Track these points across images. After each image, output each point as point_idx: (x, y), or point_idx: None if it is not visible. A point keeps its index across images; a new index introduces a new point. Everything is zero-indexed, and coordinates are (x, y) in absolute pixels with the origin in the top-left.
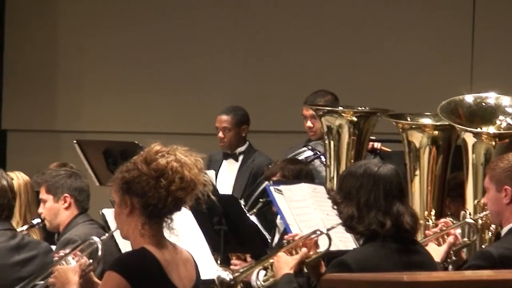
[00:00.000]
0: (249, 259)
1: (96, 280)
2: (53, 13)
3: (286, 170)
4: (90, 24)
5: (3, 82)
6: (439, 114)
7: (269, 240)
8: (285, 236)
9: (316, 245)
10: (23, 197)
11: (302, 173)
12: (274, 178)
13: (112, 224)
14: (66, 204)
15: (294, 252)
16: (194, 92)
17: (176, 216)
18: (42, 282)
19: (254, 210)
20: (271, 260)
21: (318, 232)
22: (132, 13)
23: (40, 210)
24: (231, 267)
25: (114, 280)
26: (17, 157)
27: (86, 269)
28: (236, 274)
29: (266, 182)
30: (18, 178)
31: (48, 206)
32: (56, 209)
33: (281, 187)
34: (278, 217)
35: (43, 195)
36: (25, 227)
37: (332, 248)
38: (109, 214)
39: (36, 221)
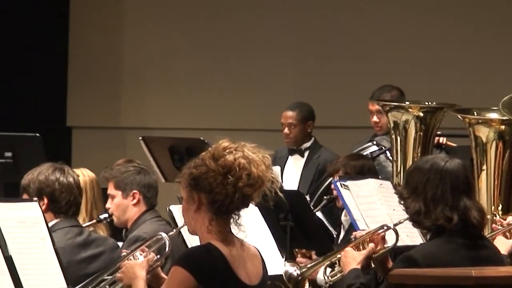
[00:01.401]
0: (314, 256)
1: (163, 275)
2: (117, 10)
3: (348, 167)
4: (155, 21)
5: (68, 80)
6: (500, 110)
7: (335, 236)
8: (353, 233)
9: (383, 240)
10: (89, 193)
11: (364, 169)
12: (337, 175)
13: (179, 221)
14: (135, 201)
15: (361, 247)
16: (260, 87)
17: (243, 212)
18: (110, 277)
19: (319, 208)
20: (338, 256)
21: (385, 227)
22: (198, 9)
23: (108, 205)
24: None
25: (180, 275)
26: (82, 154)
27: (153, 264)
28: (304, 270)
29: (331, 178)
30: (84, 175)
31: (116, 202)
32: (124, 205)
33: (347, 183)
34: (343, 213)
35: (111, 190)
36: (93, 222)
37: (399, 243)
38: (176, 210)
39: (103, 216)
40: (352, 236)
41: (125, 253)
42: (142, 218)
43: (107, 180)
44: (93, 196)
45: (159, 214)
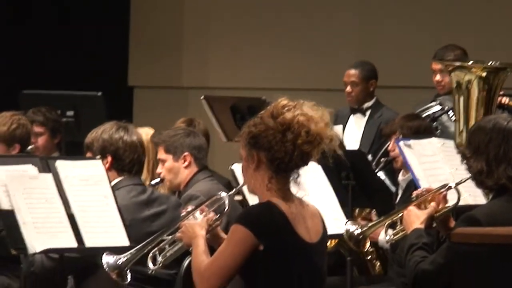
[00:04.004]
0: (374, 218)
1: (223, 235)
2: None
3: (405, 128)
4: None
5: (130, 39)
6: None
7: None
8: (414, 192)
9: (445, 199)
10: (151, 152)
11: (421, 129)
12: (396, 136)
13: (241, 180)
14: (186, 163)
15: (422, 206)
16: (322, 47)
17: (306, 171)
18: (170, 237)
19: (378, 168)
20: (399, 215)
21: (447, 187)
22: None
23: (159, 170)
24: None
25: (240, 233)
26: (143, 113)
27: (213, 224)
28: (365, 229)
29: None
30: (146, 134)
31: (167, 166)
32: (176, 168)
33: (410, 142)
34: (400, 174)
35: (162, 155)
36: None
37: (462, 203)
38: (239, 169)
39: (155, 181)
40: (413, 196)
41: (184, 213)
42: (194, 179)
43: (156, 145)
44: (155, 155)
45: (210, 174)
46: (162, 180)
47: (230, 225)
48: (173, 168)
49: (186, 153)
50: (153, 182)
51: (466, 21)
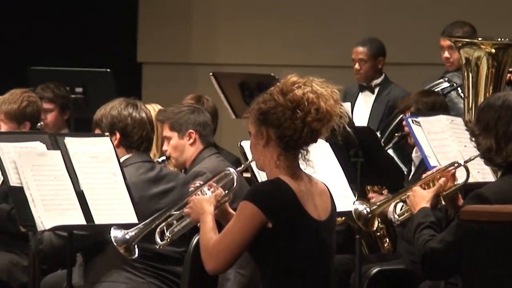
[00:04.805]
0: (385, 193)
1: (231, 211)
2: None
3: (420, 104)
4: None
5: (139, 15)
6: None
7: (406, 173)
8: (423, 175)
9: (454, 177)
10: (159, 129)
11: (436, 105)
12: (409, 112)
13: (250, 156)
14: (192, 140)
15: (431, 184)
16: (330, 24)
17: (315, 148)
18: (177, 212)
19: (390, 144)
20: (408, 193)
21: (456, 164)
22: None
23: (165, 147)
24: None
25: (249, 210)
26: (152, 90)
27: (221, 200)
28: (374, 207)
29: (402, 115)
30: (155, 111)
31: (173, 143)
32: (181, 146)
33: (419, 119)
34: (414, 151)
35: (167, 132)
36: None
37: (470, 180)
38: (247, 146)
39: (161, 159)
40: (423, 176)
41: (192, 189)
42: (200, 156)
43: (161, 122)
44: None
45: (216, 151)
46: (168, 158)
47: (236, 202)
48: (178, 146)
49: (190, 130)
50: (159, 159)
51: None
